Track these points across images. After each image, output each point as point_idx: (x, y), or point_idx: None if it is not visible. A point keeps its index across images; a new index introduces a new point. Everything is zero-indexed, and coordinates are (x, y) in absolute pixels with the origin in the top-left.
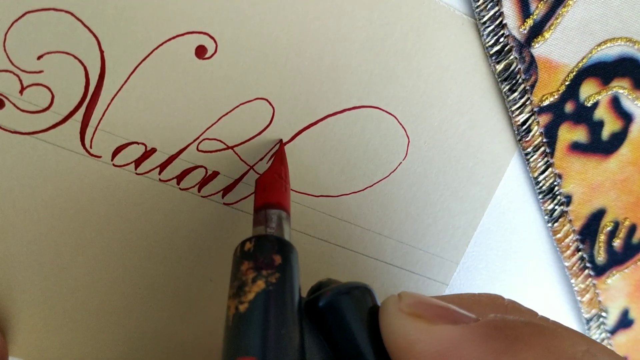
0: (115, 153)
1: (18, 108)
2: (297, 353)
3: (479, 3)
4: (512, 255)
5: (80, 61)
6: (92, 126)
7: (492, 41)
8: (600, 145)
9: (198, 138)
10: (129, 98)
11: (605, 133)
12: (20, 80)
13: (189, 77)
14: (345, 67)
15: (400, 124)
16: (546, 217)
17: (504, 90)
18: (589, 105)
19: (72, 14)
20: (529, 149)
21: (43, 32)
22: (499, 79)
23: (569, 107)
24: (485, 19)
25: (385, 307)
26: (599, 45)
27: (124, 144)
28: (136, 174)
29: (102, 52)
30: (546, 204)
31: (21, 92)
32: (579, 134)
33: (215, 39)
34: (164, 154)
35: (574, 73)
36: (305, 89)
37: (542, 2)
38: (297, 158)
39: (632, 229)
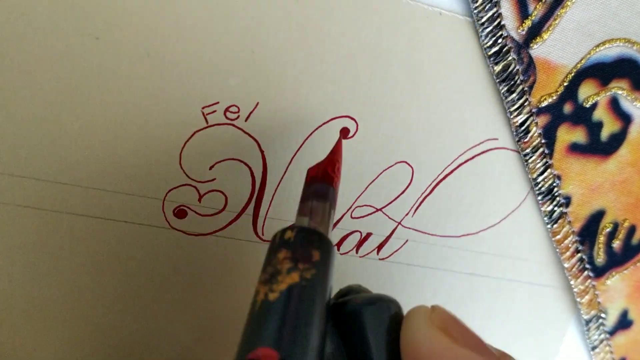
0: None
1: (198, 214)
2: (316, 354)
3: (477, 4)
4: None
5: (245, 164)
6: (262, 216)
7: (491, 42)
8: (600, 146)
9: (351, 207)
10: (290, 186)
11: (604, 134)
12: (198, 191)
13: None
14: (468, 115)
15: None
16: (545, 219)
17: (502, 91)
18: (587, 106)
19: (240, 129)
20: (527, 150)
21: (210, 145)
22: (497, 80)
23: (567, 108)
24: (483, 20)
25: (413, 314)
26: (598, 46)
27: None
28: None
29: (262, 151)
30: (545, 205)
31: (199, 199)
32: (578, 135)
33: (355, 119)
34: None
35: (573, 74)
36: (436, 145)
37: (540, 3)
38: (438, 206)
39: (631, 230)
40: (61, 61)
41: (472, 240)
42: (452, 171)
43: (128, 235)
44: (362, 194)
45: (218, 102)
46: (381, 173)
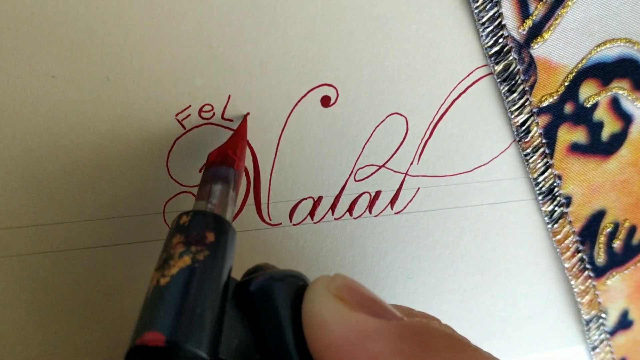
0: (291, 215)
1: None
2: (209, 335)
3: (478, 4)
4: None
5: None
6: (265, 203)
7: (491, 42)
8: (600, 146)
9: (352, 171)
10: (284, 168)
11: (605, 134)
12: (194, 195)
13: (324, 125)
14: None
15: None
16: (546, 219)
17: (503, 91)
18: (588, 106)
19: (219, 125)
20: (528, 150)
21: (194, 149)
22: (498, 80)
23: (568, 108)
24: (484, 20)
25: (313, 284)
26: (599, 46)
27: (295, 204)
28: (314, 223)
29: (247, 141)
30: (546, 205)
31: None
32: (579, 135)
33: (334, 85)
34: (330, 197)
35: (574, 74)
36: (424, 87)
37: (541, 3)
38: (442, 147)
39: (631, 230)
40: (24, 106)
41: (486, 170)
42: (447, 109)
43: (140, 255)
44: (360, 155)
45: (190, 106)
46: (374, 130)
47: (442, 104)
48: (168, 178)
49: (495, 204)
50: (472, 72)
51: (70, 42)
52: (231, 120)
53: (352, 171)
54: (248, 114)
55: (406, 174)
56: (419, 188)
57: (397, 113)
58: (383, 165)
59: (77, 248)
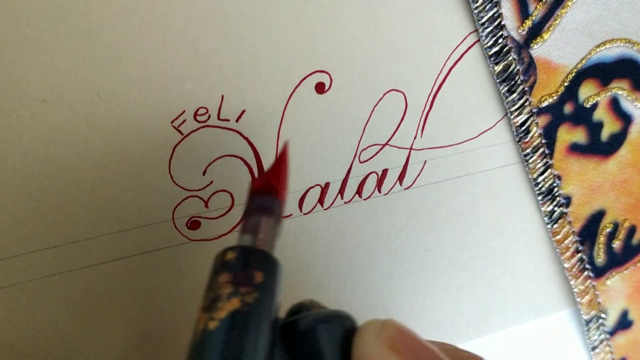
0: (300, 204)
1: (211, 218)
2: None
3: (477, 4)
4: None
5: (235, 156)
6: None
7: (491, 42)
8: (600, 147)
9: (356, 154)
10: (289, 157)
11: (605, 134)
12: (201, 198)
13: (322, 112)
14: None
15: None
16: (545, 219)
17: (503, 91)
18: (588, 106)
19: (216, 127)
20: (528, 150)
21: (195, 153)
22: (498, 80)
23: (568, 108)
24: (484, 20)
25: (364, 330)
26: (598, 46)
27: (303, 194)
28: (324, 209)
29: (246, 138)
30: (545, 206)
31: (206, 205)
32: (578, 135)
33: (326, 71)
34: (337, 182)
35: (573, 74)
36: (418, 60)
37: (541, 3)
38: (444, 117)
39: (631, 231)
40: (20, 134)
41: (492, 134)
42: (445, 78)
43: (156, 263)
44: (362, 136)
45: (184, 111)
46: (373, 110)
47: (439, 74)
48: (172, 185)
49: (506, 167)
50: (465, 38)
51: (56, 64)
52: (227, 120)
53: (355, 153)
54: (288, 141)
55: (411, 148)
56: (425, 161)
57: (394, 89)
58: (386, 143)
59: (93, 264)
